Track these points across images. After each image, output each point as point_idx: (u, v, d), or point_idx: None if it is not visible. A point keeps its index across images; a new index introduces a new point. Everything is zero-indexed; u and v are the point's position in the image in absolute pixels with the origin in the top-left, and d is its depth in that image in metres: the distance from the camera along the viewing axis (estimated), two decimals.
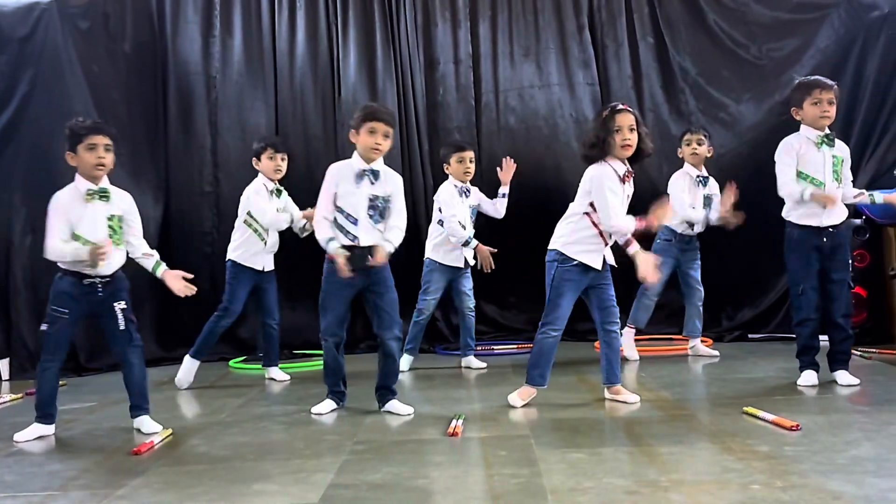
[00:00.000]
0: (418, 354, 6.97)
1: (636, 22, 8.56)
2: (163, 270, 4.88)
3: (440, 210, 6.64)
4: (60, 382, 4.99)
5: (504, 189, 6.92)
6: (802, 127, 5.47)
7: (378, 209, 5.05)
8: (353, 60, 8.44)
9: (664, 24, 8.49)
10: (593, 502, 3.20)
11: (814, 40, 8.03)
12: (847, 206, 5.55)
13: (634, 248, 5.00)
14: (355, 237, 4.98)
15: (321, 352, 5.27)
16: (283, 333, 6.72)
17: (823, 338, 5.51)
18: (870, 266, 7.18)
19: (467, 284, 6.83)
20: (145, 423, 4.78)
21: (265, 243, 6.39)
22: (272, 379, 6.53)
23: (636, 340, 7.00)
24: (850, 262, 5.66)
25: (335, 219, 5.01)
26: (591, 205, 4.98)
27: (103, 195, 4.75)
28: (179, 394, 6.16)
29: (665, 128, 8.35)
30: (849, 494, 3.16)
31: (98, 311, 4.77)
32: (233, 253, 6.39)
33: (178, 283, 4.89)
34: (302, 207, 6.53)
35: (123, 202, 4.87)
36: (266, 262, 6.44)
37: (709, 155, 6.91)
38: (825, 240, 5.40)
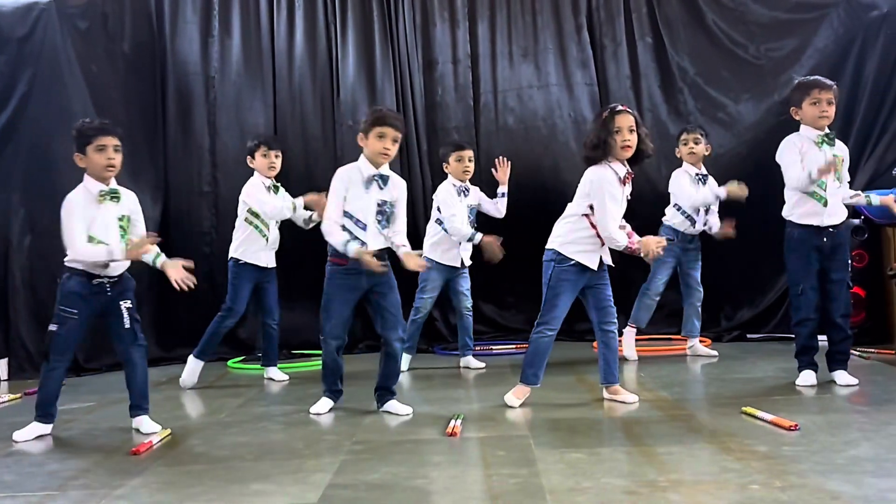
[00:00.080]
0: (415, 354, 6.97)
1: (634, 22, 8.56)
2: (162, 261, 4.84)
3: (439, 209, 6.65)
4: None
5: (503, 188, 6.93)
6: (802, 127, 5.47)
7: (386, 214, 5.05)
8: (351, 60, 8.44)
9: (663, 24, 8.49)
10: (592, 502, 3.21)
11: (812, 40, 8.02)
12: (846, 206, 5.55)
13: (637, 246, 4.97)
14: (363, 243, 4.96)
15: (320, 352, 5.27)
16: (282, 333, 6.72)
17: (822, 338, 5.51)
18: (868, 266, 7.18)
19: (464, 284, 6.83)
20: (144, 423, 4.78)
21: (267, 240, 6.40)
22: (271, 379, 6.53)
23: (635, 340, 7.00)
24: (849, 262, 5.66)
25: (345, 226, 4.98)
26: (591, 206, 4.99)
27: (114, 196, 4.77)
28: (178, 394, 6.15)
29: (664, 128, 8.35)
30: (847, 494, 3.16)
31: (105, 311, 4.77)
32: (235, 251, 6.39)
33: (178, 272, 4.82)
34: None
35: (131, 202, 4.89)
36: (268, 259, 6.45)
37: (706, 153, 6.92)
38: (825, 240, 5.40)
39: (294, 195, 6.53)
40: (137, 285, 4.99)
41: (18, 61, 7.18)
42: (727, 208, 6.95)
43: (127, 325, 4.78)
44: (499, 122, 8.58)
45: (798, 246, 5.44)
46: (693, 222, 6.85)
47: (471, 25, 8.64)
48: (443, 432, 4.47)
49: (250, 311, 6.79)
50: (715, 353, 6.99)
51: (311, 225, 6.39)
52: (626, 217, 5.17)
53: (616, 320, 5.21)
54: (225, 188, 7.93)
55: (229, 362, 7.44)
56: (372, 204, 5.00)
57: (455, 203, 6.55)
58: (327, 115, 8.43)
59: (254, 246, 6.37)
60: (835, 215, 5.43)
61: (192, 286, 4.87)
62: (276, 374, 6.56)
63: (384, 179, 5.01)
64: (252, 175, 6.48)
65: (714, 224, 6.90)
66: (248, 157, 6.50)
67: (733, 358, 6.85)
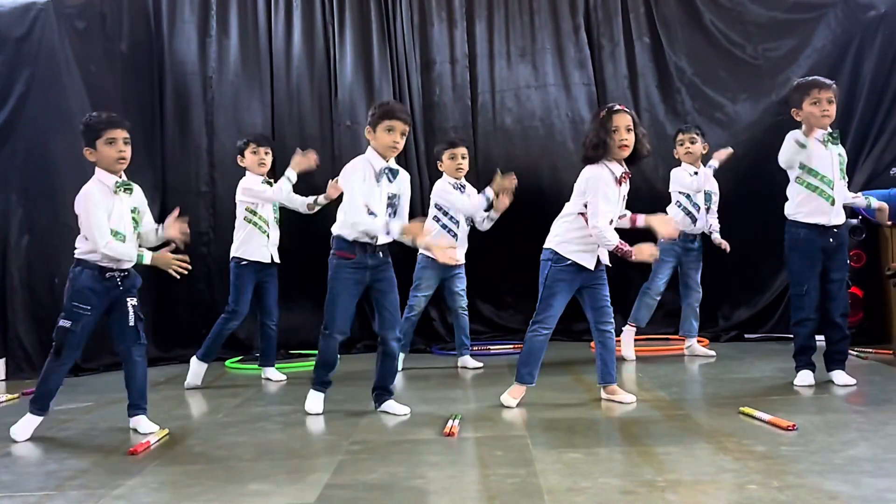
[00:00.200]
0: (409, 353, 6.97)
1: (632, 22, 8.57)
2: (149, 258, 4.81)
3: (436, 206, 6.64)
4: None
5: (494, 214, 6.80)
6: (804, 127, 5.45)
7: (394, 208, 5.04)
8: (349, 60, 8.45)
9: (660, 24, 8.49)
10: (590, 502, 3.20)
11: (810, 40, 8.03)
12: (843, 207, 5.55)
13: (627, 249, 4.96)
14: (374, 236, 4.96)
15: (317, 352, 5.24)
16: (281, 334, 6.71)
17: (819, 338, 5.51)
18: (866, 266, 7.18)
19: (460, 285, 6.82)
20: (142, 422, 4.77)
21: (268, 236, 6.42)
22: (268, 379, 6.53)
23: (634, 340, 7.01)
24: (848, 261, 5.66)
25: None
26: (587, 205, 4.99)
27: (128, 188, 4.76)
28: (176, 394, 6.15)
29: (661, 128, 8.35)
30: (845, 494, 3.16)
31: (112, 306, 4.75)
32: (236, 251, 6.40)
33: (167, 258, 4.81)
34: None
35: (139, 194, 4.88)
36: (273, 254, 6.49)
37: (704, 152, 6.93)
38: (831, 240, 5.40)
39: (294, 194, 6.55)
40: None
41: (16, 61, 7.18)
42: (727, 208, 6.97)
43: (131, 323, 4.76)
44: (496, 122, 8.59)
45: (804, 245, 5.42)
46: (694, 220, 6.86)
47: (468, 25, 8.65)
48: (440, 432, 4.47)
49: (249, 311, 6.79)
50: (713, 352, 6.99)
51: (316, 209, 6.42)
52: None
53: (613, 320, 5.21)
54: (222, 188, 7.93)
55: (227, 362, 7.43)
56: (383, 197, 4.98)
57: (452, 192, 6.53)
58: (325, 115, 8.44)
59: (255, 243, 6.38)
60: (840, 214, 5.43)
61: (188, 269, 4.87)
62: (274, 374, 6.56)
63: (394, 173, 5.00)
64: (244, 175, 6.51)
65: (715, 227, 6.91)
66: (238, 156, 6.56)
67: (731, 358, 6.86)
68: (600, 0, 8.61)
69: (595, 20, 8.63)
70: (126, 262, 4.71)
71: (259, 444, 4.44)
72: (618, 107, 5.05)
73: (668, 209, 6.94)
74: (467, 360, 6.85)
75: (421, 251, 6.70)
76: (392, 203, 5.02)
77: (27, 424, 4.74)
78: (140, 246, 4.86)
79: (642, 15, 8.57)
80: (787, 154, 5.34)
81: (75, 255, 4.71)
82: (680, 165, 6.93)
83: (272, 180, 6.50)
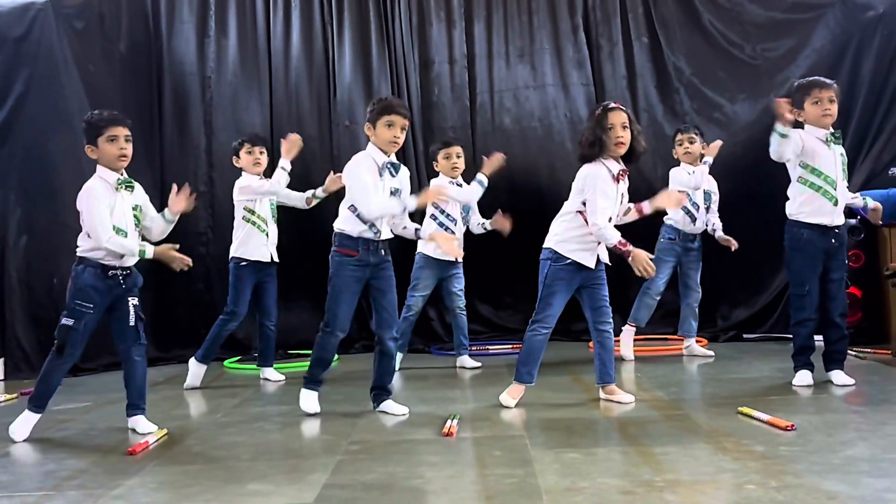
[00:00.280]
0: (407, 352, 6.98)
1: (631, 22, 8.58)
2: (151, 252, 4.80)
3: (433, 205, 6.63)
4: None
5: (488, 225, 6.85)
6: (807, 127, 5.45)
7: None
8: (348, 60, 8.46)
9: (659, 24, 8.50)
10: (588, 502, 3.20)
11: (809, 40, 8.03)
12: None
13: (627, 248, 4.96)
14: (378, 231, 4.95)
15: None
16: (279, 334, 6.71)
17: (818, 338, 5.51)
18: (864, 266, 7.18)
19: (458, 285, 6.82)
20: (140, 422, 4.77)
21: (267, 235, 6.43)
22: (267, 379, 6.53)
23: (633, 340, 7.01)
24: (847, 261, 5.67)
25: (359, 212, 4.91)
26: (585, 203, 5.00)
27: (129, 185, 4.77)
28: (175, 394, 6.16)
29: (659, 128, 8.37)
30: (844, 494, 3.16)
31: (113, 304, 4.75)
32: (236, 251, 6.41)
33: (170, 253, 4.79)
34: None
35: (140, 192, 4.88)
36: (272, 253, 6.49)
37: (702, 151, 6.93)
38: (833, 241, 5.40)
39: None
40: None
41: (15, 61, 7.18)
42: (726, 208, 6.97)
43: (132, 323, 4.76)
44: (495, 122, 8.61)
45: (806, 246, 5.41)
46: (693, 219, 6.86)
47: (467, 25, 8.66)
48: (439, 432, 4.47)
49: (247, 311, 6.79)
50: (711, 353, 6.99)
51: (315, 202, 6.45)
52: (625, 215, 5.19)
53: (612, 320, 5.21)
54: (221, 188, 7.93)
55: (226, 362, 7.44)
56: (386, 191, 4.96)
57: (448, 187, 6.51)
58: (324, 115, 8.45)
59: (254, 242, 6.39)
60: (841, 215, 5.44)
61: (189, 265, 4.85)
62: (272, 374, 6.56)
63: (395, 167, 4.99)
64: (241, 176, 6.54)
65: (717, 225, 6.91)
66: (234, 157, 6.58)
67: (729, 358, 6.86)
68: (599, 0, 8.62)
69: (593, 20, 8.64)
70: (129, 257, 4.71)
71: (258, 444, 4.44)
72: (613, 104, 5.06)
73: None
74: (465, 360, 6.86)
75: (419, 250, 6.71)
76: (395, 197, 5.02)
77: (25, 422, 4.74)
78: (147, 241, 4.87)
79: (641, 15, 8.58)
80: (772, 146, 5.34)
81: (77, 254, 4.70)
82: (679, 165, 6.93)
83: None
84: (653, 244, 6.98)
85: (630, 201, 5.19)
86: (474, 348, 7.37)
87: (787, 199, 5.51)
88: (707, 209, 6.91)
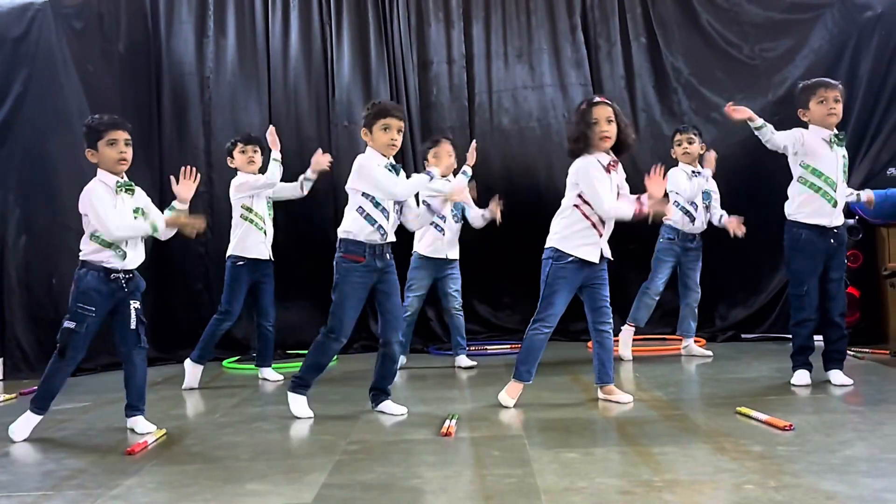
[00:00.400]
0: (408, 352, 6.97)
1: (629, 22, 8.58)
2: (164, 222, 4.82)
3: (423, 203, 6.63)
4: None
5: (489, 214, 6.80)
6: (811, 127, 5.45)
7: (399, 204, 5.05)
8: (346, 61, 8.46)
9: (657, 24, 8.50)
10: (587, 502, 3.21)
11: (807, 40, 8.03)
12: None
13: (642, 206, 4.97)
14: (385, 232, 4.94)
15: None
16: (278, 334, 6.70)
17: (817, 338, 5.52)
18: (863, 266, 7.19)
19: (453, 285, 6.83)
20: (139, 423, 4.77)
21: (264, 233, 6.44)
22: (265, 379, 6.54)
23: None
24: (845, 261, 5.68)
25: (366, 212, 4.90)
26: (580, 196, 5.01)
27: (129, 189, 4.77)
28: (173, 394, 6.16)
29: (658, 128, 8.37)
30: (842, 494, 3.17)
31: (115, 307, 4.75)
32: (234, 249, 6.41)
33: (181, 219, 4.84)
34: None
35: (141, 195, 4.88)
36: (267, 251, 6.49)
37: (701, 151, 6.94)
38: (832, 241, 5.41)
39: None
40: None
41: (14, 61, 7.18)
42: (724, 208, 6.97)
43: (132, 326, 4.76)
44: (493, 122, 8.61)
45: (805, 246, 5.42)
46: (692, 219, 6.86)
47: (465, 26, 8.66)
48: (437, 432, 4.47)
49: (245, 311, 6.79)
50: (710, 353, 6.99)
51: (308, 187, 6.47)
52: None
53: (611, 320, 5.21)
54: (220, 188, 7.92)
55: (224, 362, 7.44)
56: None
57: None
58: (322, 115, 8.46)
59: (252, 239, 6.39)
60: (840, 216, 5.45)
61: (204, 227, 4.94)
62: (271, 374, 6.56)
63: (396, 170, 5.00)
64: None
65: (723, 214, 6.88)
66: (228, 157, 6.60)
67: (728, 358, 6.86)
68: (597, 0, 8.62)
69: (592, 20, 8.64)
70: (130, 260, 4.69)
71: (256, 444, 4.44)
72: (597, 99, 5.10)
73: (666, 209, 6.93)
74: (461, 360, 6.87)
75: (415, 249, 6.73)
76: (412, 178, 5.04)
77: (26, 423, 4.74)
78: (150, 238, 4.90)
79: (639, 15, 8.58)
80: (763, 141, 5.41)
81: (80, 257, 4.70)
82: (677, 165, 6.93)
83: None
84: (653, 244, 6.99)
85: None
86: (472, 348, 7.37)
87: (787, 197, 5.52)
88: (707, 208, 6.91)
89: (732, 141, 7.80)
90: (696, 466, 3.66)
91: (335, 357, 5.21)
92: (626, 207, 4.96)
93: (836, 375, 5.45)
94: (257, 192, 6.40)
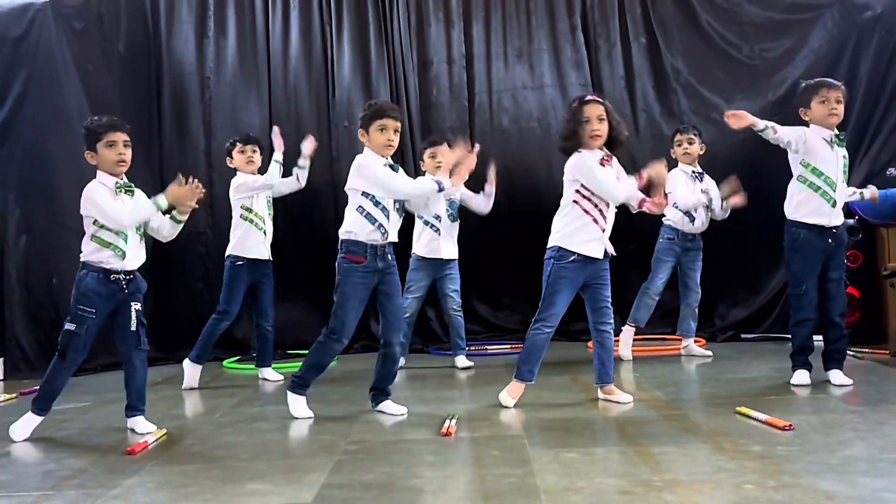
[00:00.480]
0: (407, 352, 6.97)
1: (629, 22, 8.59)
2: (163, 201, 4.81)
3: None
4: None
5: (489, 188, 6.84)
6: (812, 126, 5.46)
7: (400, 203, 5.04)
8: (347, 61, 8.46)
9: (657, 25, 8.51)
10: (586, 502, 3.21)
11: (807, 40, 8.03)
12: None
13: (644, 178, 5.01)
14: (386, 231, 4.93)
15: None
16: (277, 334, 6.71)
17: (817, 338, 5.52)
18: (863, 266, 7.19)
19: (451, 286, 6.83)
20: (139, 423, 4.77)
21: (264, 233, 6.44)
22: (265, 379, 6.54)
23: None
24: (845, 261, 5.68)
25: (366, 211, 4.89)
26: (578, 192, 5.02)
27: (129, 190, 4.78)
28: (173, 394, 6.16)
29: (657, 128, 8.38)
30: (841, 494, 3.17)
31: (116, 309, 4.75)
32: (233, 249, 6.41)
33: (179, 192, 4.81)
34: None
35: (140, 196, 4.87)
36: (266, 251, 6.49)
37: (701, 152, 6.95)
38: (831, 241, 5.41)
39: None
40: None
41: (14, 62, 7.18)
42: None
43: (133, 328, 4.77)
44: (493, 122, 8.61)
45: (804, 246, 5.43)
46: (692, 219, 6.86)
47: (465, 26, 8.67)
48: (437, 432, 4.47)
49: (245, 311, 6.80)
50: (709, 353, 7.00)
51: (304, 177, 6.50)
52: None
53: (612, 321, 5.22)
54: (220, 188, 7.91)
55: (224, 362, 7.45)
56: None
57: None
58: (322, 115, 8.46)
59: (252, 239, 6.40)
60: (839, 216, 5.45)
61: (203, 193, 4.90)
62: (271, 374, 6.57)
63: (395, 169, 4.99)
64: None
65: (726, 203, 6.86)
66: (227, 157, 6.61)
67: (727, 358, 6.86)
68: (597, 1, 8.63)
69: (592, 21, 8.64)
70: (130, 261, 4.69)
71: (256, 443, 4.44)
72: (589, 97, 5.11)
73: (665, 209, 6.93)
74: (459, 360, 6.87)
75: (413, 251, 6.72)
76: (398, 198, 5.02)
77: (27, 423, 4.75)
78: (151, 238, 4.91)
79: (639, 16, 8.59)
80: (769, 140, 5.41)
81: (81, 259, 4.70)
82: (677, 166, 6.93)
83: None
84: (653, 244, 6.99)
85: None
86: (472, 348, 7.38)
87: (787, 197, 5.53)
88: (707, 208, 6.91)
89: (732, 141, 7.79)
90: (696, 466, 3.66)
91: (335, 357, 5.20)
92: (630, 186, 5.00)
93: (835, 375, 5.46)
94: (255, 192, 6.41)
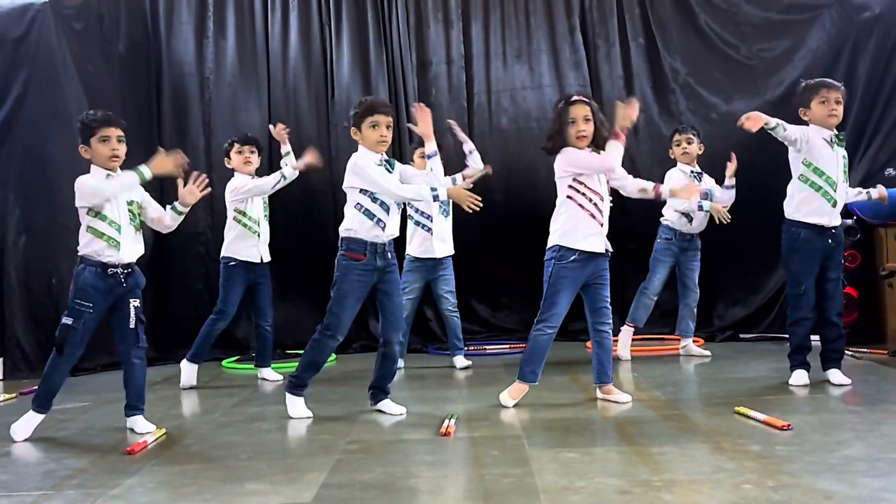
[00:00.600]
0: (405, 353, 6.96)
1: (627, 23, 8.59)
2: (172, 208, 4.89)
3: (408, 204, 6.61)
4: None
5: (466, 146, 6.62)
6: (812, 126, 5.46)
7: None
8: (346, 61, 8.47)
9: (655, 25, 8.51)
10: (585, 502, 3.22)
11: (805, 41, 8.03)
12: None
13: (622, 135, 5.08)
14: (385, 226, 4.93)
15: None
16: (277, 334, 6.71)
17: (814, 337, 5.53)
18: (861, 266, 7.20)
19: (445, 287, 6.83)
20: (139, 422, 4.78)
21: (258, 235, 6.43)
22: (265, 379, 6.54)
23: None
24: (843, 261, 5.69)
25: (364, 207, 4.88)
26: (571, 187, 5.04)
27: None
28: (173, 393, 6.17)
29: (656, 128, 8.38)
30: (840, 494, 3.18)
31: (115, 304, 4.75)
32: (227, 250, 6.42)
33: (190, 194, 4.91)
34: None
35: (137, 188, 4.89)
36: (263, 253, 6.48)
37: (700, 152, 6.96)
38: (830, 241, 5.42)
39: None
40: None
41: (14, 62, 7.18)
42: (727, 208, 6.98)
43: (131, 326, 4.77)
44: (492, 122, 8.62)
45: (803, 246, 5.43)
46: (690, 219, 6.87)
47: (464, 26, 8.67)
48: (437, 432, 4.48)
49: (244, 311, 6.80)
50: (708, 353, 7.00)
51: (293, 161, 6.50)
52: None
53: (611, 321, 5.23)
54: (220, 189, 7.85)
55: (224, 362, 7.45)
56: None
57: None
58: (322, 115, 8.46)
59: (245, 242, 6.40)
60: (839, 216, 5.47)
61: (186, 160, 4.95)
62: (270, 374, 6.57)
63: (391, 164, 4.99)
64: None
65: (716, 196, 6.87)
66: (225, 158, 6.63)
67: (726, 358, 6.87)
68: (596, 1, 8.63)
69: (590, 21, 8.65)
70: (125, 252, 4.70)
71: (255, 443, 4.45)
72: (575, 97, 5.12)
73: (664, 209, 6.95)
74: (457, 360, 6.88)
75: (407, 252, 6.73)
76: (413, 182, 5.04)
77: (28, 423, 4.75)
78: (150, 235, 4.91)
79: (637, 16, 8.59)
80: (778, 138, 5.41)
81: (78, 252, 4.71)
82: (676, 166, 6.94)
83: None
84: (651, 244, 7.00)
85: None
86: (471, 348, 7.38)
87: (786, 197, 5.53)
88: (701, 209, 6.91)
89: (730, 141, 7.78)
90: (695, 466, 3.67)
91: (333, 356, 5.20)
92: (614, 149, 5.04)
93: (834, 375, 5.47)
94: (248, 197, 6.41)
